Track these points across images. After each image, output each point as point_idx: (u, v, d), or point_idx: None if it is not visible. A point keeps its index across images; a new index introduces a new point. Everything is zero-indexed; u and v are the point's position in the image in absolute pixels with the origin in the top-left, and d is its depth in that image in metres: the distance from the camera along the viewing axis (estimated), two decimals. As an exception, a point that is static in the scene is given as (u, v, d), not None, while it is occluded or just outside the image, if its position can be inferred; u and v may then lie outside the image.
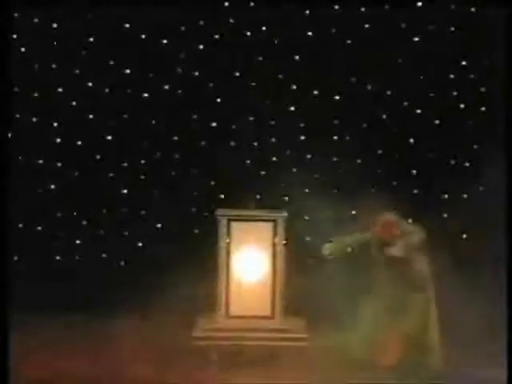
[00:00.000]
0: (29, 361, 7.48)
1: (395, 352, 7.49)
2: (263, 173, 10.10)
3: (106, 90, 10.10)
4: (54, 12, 9.82)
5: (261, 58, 10.11)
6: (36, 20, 9.87)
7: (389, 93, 10.18)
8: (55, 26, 9.95)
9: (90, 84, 10.07)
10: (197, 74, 10.11)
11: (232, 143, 10.14)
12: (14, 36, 9.70)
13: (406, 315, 7.54)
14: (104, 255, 10.03)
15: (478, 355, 7.85)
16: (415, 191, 10.12)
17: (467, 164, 10.16)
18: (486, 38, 9.76)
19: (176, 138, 10.17)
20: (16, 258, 9.52)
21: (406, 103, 10.20)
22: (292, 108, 10.15)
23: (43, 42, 9.93)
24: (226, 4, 9.98)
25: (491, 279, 8.92)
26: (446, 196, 10.09)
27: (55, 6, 9.71)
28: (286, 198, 9.76)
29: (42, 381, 7.19)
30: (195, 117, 10.15)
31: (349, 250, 7.83)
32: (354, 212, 9.46)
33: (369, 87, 10.14)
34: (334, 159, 10.11)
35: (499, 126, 9.36)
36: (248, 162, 10.13)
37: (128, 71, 10.11)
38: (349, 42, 10.08)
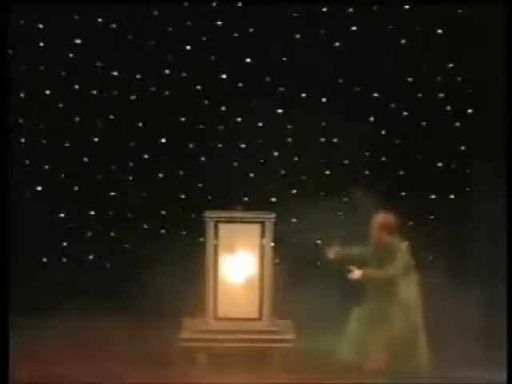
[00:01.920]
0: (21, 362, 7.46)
1: (382, 356, 7.48)
2: (251, 175, 10.10)
3: (94, 92, 10.09)
4: (40, 13, 9.79)
5: (248, 60, 10.12)
6: (22, 22, 9.82)
7: (376, 95, 10.19)
8: (42, 27, 9.93)
9: (77, 86, 10.05)
10: (184, 75, 10.11)
11: (219, 145, 10.14)
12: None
13: (393, 321, 7.52)
14: (90, 257, 10.03)
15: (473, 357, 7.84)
16: (403, 193, 10.14)
17: (454, 165, 10.18)
18: (473, 40, 9.77)
19: (163, 139, 10.17)
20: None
21: (393, 105, 10.22)
22: (280, 110, 10.16)
23: (30, 44, 9.89)
24: (214, 4, 9.99)
25: (482, 279, 8.95)
26: (434, 197, 10.11)
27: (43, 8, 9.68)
28: (274, 200, 9.78)
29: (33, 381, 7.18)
30: (183, 119, 10.15)
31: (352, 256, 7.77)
32: (341, 214, 9.45)
33: (356, 89, 10.15)
34: (322, 161, 10.12)
35: (486, 127, 9.41)
36: (235, 163, 10.13)
37: (115, 73, 10.11)
38: (337, 43, 10.09)
